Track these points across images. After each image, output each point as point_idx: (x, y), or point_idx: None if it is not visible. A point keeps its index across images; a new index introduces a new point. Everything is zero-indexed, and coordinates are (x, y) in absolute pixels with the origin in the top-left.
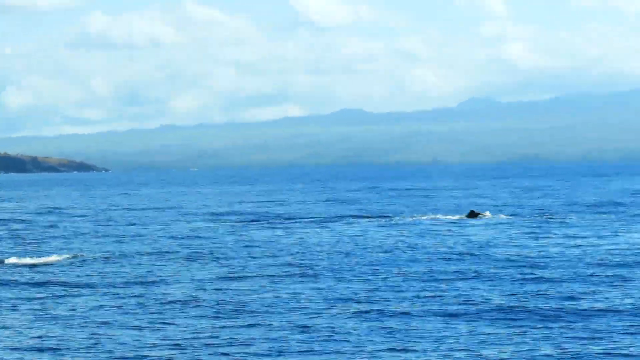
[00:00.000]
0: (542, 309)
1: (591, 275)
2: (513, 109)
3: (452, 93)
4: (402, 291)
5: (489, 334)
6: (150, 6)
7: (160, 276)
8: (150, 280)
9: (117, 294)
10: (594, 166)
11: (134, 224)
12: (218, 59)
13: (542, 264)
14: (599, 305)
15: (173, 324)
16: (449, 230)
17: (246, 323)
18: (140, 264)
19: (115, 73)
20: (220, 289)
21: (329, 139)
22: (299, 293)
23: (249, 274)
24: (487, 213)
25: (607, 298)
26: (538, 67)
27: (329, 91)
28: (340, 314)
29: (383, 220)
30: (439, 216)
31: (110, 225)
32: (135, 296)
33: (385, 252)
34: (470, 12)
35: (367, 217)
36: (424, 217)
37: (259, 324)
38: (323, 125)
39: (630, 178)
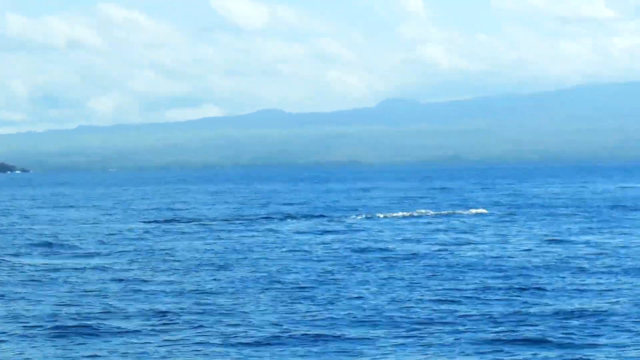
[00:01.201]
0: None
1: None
2: (432, 110)
3: (372, 94)
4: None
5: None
6: (70, 8)
7: None
8: None
9: None
10: (510, 168)
11: None
12: (138, 61)
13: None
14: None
15: None
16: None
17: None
18: None
19: (34, 75)
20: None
21: (248, 140)
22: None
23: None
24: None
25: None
26: (457, 69)
27: (249, 92)
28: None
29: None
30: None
31: None
32: None
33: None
34: (390, 14)
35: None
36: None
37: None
38: (242, 126)
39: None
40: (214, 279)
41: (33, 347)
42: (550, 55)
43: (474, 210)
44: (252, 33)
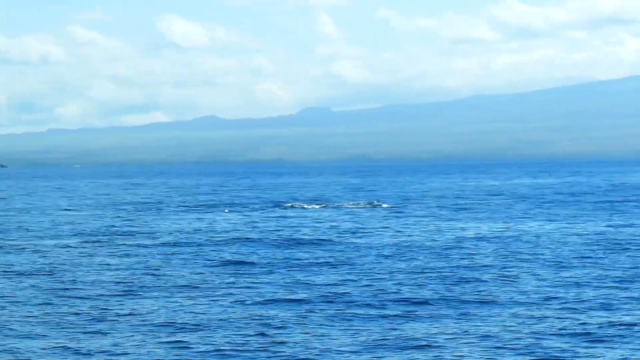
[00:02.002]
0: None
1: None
2: (345, 117)
3: (293, 103)
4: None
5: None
6: (42, 29)
7: None
8: None
9: None
10: (411, 165)
11: None
12: (98, 73)
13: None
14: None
15: None
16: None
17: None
18: None
19: (12, 85)
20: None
21: (191, 142)
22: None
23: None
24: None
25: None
26: (366, 81)
27: (191, 101)
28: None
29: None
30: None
31: None
32: None
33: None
34: (308, 34)
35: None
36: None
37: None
38: (186, 130)
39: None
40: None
41: None
42: (445, 70)
43: (375, 203)
44: (193, 50)
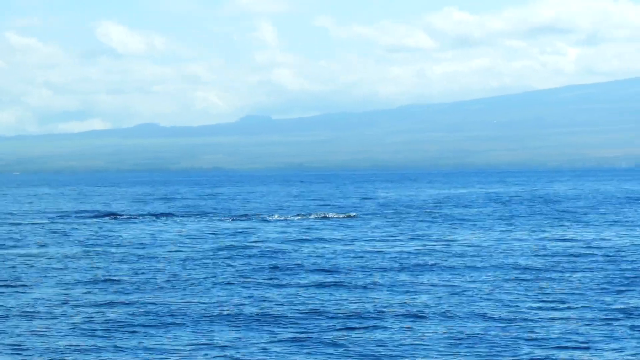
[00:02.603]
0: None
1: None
2: (283, 125)
3: (232, 111)
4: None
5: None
6: None
7: None
8: None
9: None
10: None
11: None
12: (34, 79)
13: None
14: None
15: None
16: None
17: None
18: None
19: None
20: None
21: (129, 149)
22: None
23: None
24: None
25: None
26: (303, 89)
27: (129, 108)
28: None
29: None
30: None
31: None
32: None
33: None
34: (246, 42)
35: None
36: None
37: None
38: (124, 138)
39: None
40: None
41: None
42: (381, 79)
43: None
44: (130, 57)
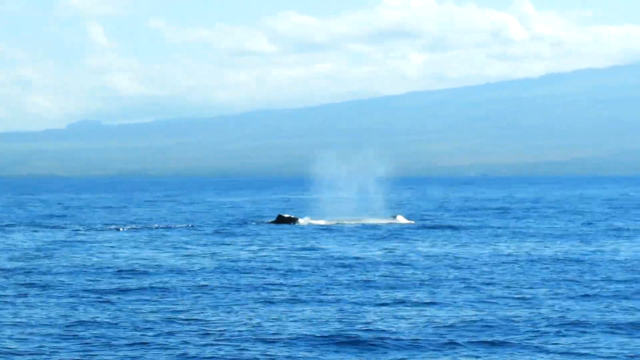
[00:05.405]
0: None
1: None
2: (119, 131)
3: (64, 116)
4: None
5: None
6: None
7: None
8: None
9: None
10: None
11: None
12: None
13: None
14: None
15: None
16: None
17: None
18: None
19: None
20: None
21: None
22: None
23: None
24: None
25: None
26: (139, 94)
27: None
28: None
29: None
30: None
31: None
32: None
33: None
34: (78, 45)
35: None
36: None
37: None
38: None
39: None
40: None
41: None
42: (220, 84)
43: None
44: None
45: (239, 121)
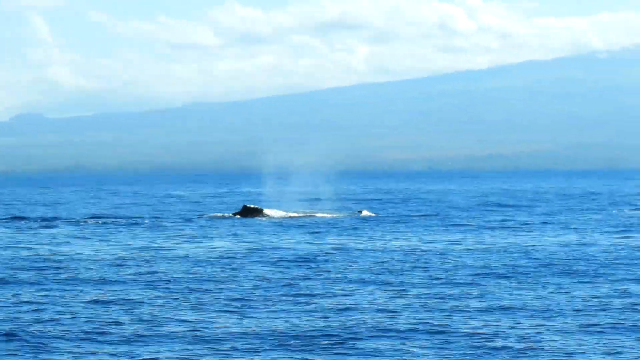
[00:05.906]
0: None
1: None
2: (58, 125)
3: (4, 110)
4: None
5: None
6: None
7: None
8: None
9: None
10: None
11: None
12: None
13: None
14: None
15: None
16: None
17: None
18: None
19: None
20: None
21: None
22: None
23: None
24: None
25: None
26: (80, 87)
27: None
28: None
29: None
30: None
31: None
32: None
33: None
34: (18, 38)
35: None
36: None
37: None
38: None
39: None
40: None
41: None
42: (162, 77)
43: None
44: None
45: (181, 114)
